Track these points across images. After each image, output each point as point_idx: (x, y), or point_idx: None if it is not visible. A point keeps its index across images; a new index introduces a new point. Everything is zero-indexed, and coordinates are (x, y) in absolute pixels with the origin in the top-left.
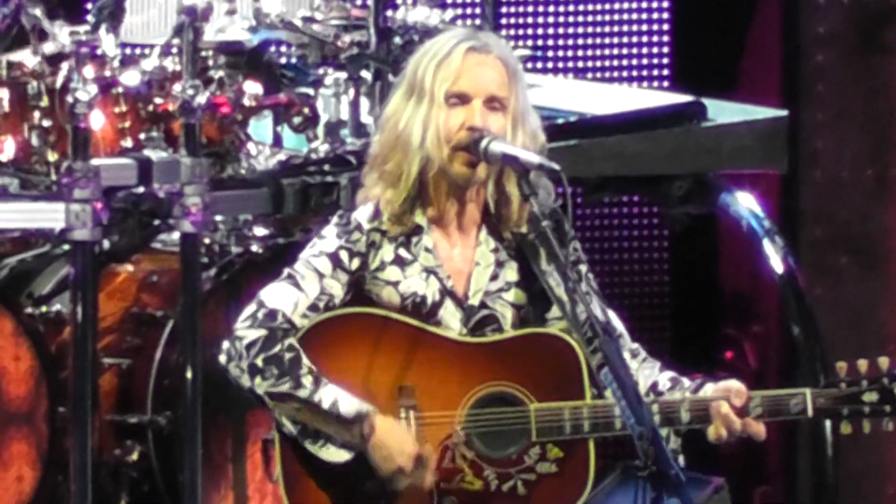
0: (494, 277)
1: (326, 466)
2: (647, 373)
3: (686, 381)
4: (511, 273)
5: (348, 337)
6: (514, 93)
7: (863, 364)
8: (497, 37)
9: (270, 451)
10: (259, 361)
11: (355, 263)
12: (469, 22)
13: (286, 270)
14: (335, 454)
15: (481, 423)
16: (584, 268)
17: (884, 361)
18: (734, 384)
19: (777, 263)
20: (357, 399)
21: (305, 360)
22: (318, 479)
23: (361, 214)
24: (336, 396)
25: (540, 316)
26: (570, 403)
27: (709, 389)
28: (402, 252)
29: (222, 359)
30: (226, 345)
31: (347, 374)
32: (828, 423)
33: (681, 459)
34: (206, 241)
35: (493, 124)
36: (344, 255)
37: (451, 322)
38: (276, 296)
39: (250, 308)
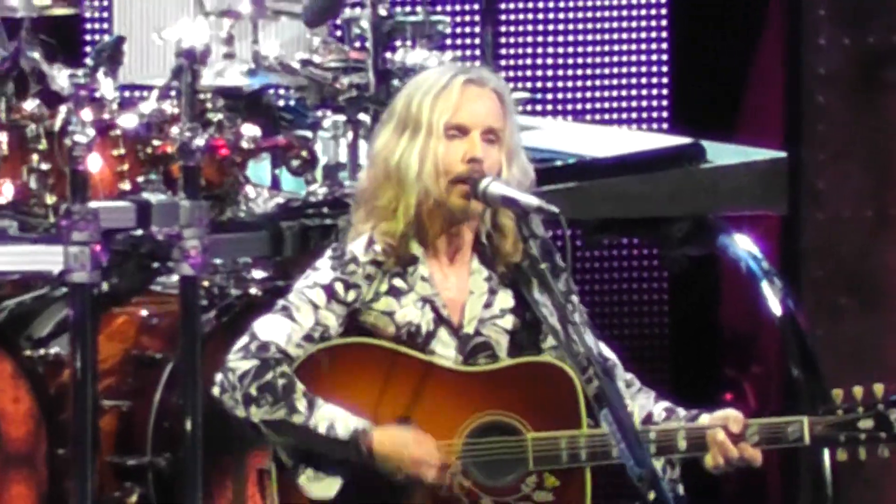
0: (488, 305)
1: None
2: (643, 402)
3: (681, 411)
4: (505, 300)
5: (344, 368)
6: (508, 125)
7: (858, 391)
8: (488, 69)
9: (266, 482)
10: (253, 390)
11: (351, 295)
12: (468, 64)
13: (280, 302)
14: (326, 488)
15: (478, 453)
16: (575, 298)
17: (879, 388)
18: (731, 412)
19: (776, 305)
20: (353, 417)
21: (299, 385)
22: None
23: (356, 247)
24: (332, 419)
25: (534, 343)
26: (567, 433)
27: (705, 419)
28: (398, 282)
29: (215, 391)
30: (219, 377)
31: (344, 406)
32: (826, 454)
33: (680, 489)
34: (206, 283)
35: (491, 156)
36: (339, 287)
37: (446, 351)
38: (269, 328)
39: (243, 340)
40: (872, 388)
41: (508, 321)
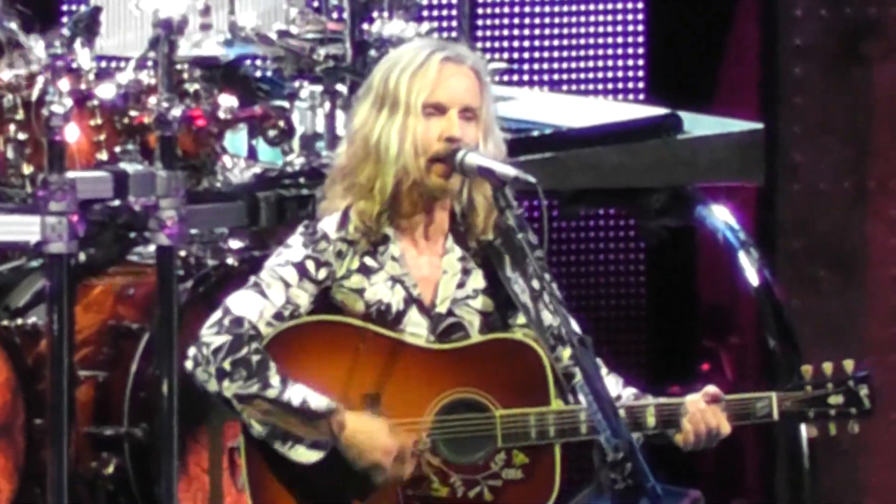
0: (461, 285)
1: (294, 469)
2: (611, 387)
3: (650, 397)
4: (477, 280)
5: (312, 345)
6: (484, 102)
7: (828, 367)
8: (464, 46)
9: (236, 459)
10: (227, 365)
11: (322, 273)
12: (445, 35)
13: (252, 278)
14: (304, 454)
15: (447, 430)
16: (547, 276)
17: (849, 364)
18: (707, 388)
19: (753, 276)
20: (326, 397)
21: (272, 362)
22: (286, 483)
23: (328, 224)
24: (305, 395)
25: (505, 322)
26: (536, 409)
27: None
28: (368, 261)
29: (188, 364)
30: (192, 351)
31: (312, 384)
32: (804, 435)
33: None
34: (182, 253)
35: (468, 134)
36: (310, 265)
37: (417, 330)
38: (242, 303)
39: (216, 315)
40: (842, 363)
41: (480, 302)
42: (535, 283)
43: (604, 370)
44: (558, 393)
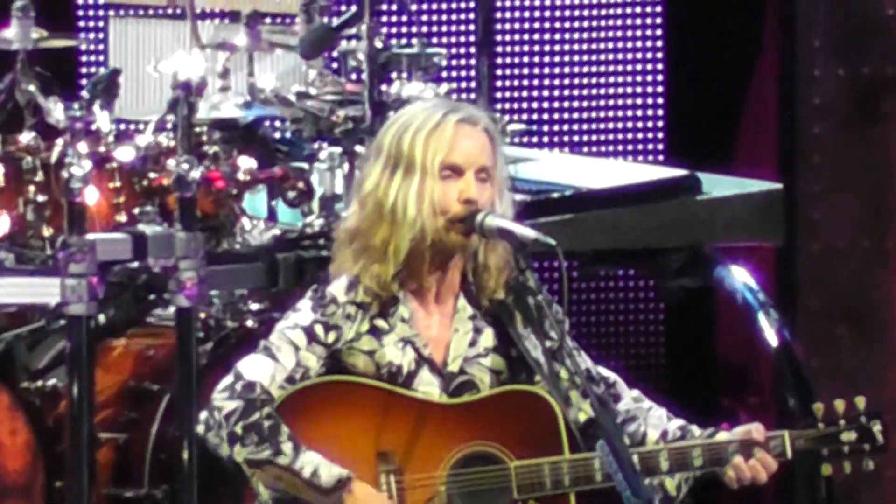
0: (473, 343)
1: None
2: (655, 421)
3: (696, 429)
4: (488, 339)
5: (324, 406)
6: (497, 162)
7: (840, 404)
8: (474, 106)
9: None
10: (238, 429)
11: (331, 337)
12: (464, 96)
13: (262, 343)
14: None
15: (463, 484)
16: (566, 326)
17: (860, 401)
18: (754, 425)
19: (772, 336)
20: (337, 466)
21: (284, 428)
22: None
23: (336, 288)
24: (317, 465)
25: (516, 380)
26: (550, 459)
27: (722, 436)
28: (379, 322)
29: (200, 429)
30: (204, 415)
31: (325, 443)
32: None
33: None
34: (202, 315)
35: (484, 195)
36: (319, 329)
37: (429, 390)
38: (254, 367)
39: (227, 380)
40: (854, 400)
41: (491, 360)
42: (554, 339)
43: (645, 403)
44: (571, 443)
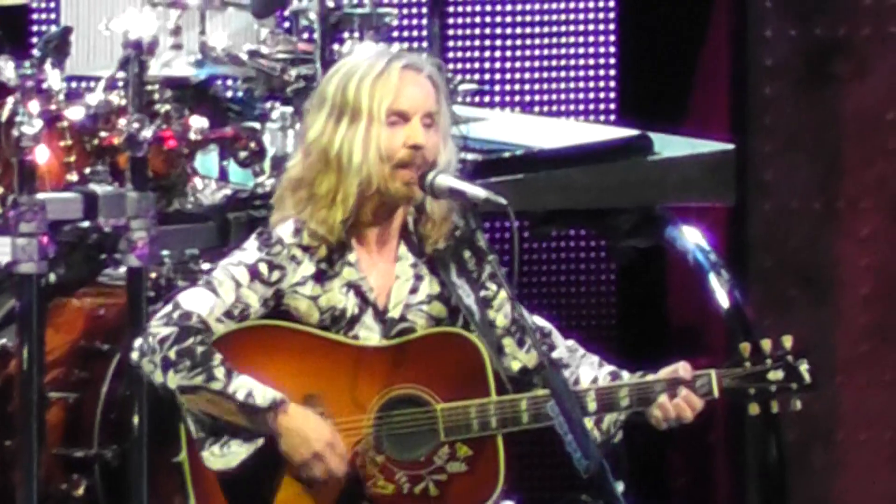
0: (414, 290)
1: (230, 476)
2: (587, 368)
3: (626, 374)
4: (431, 286)
5: (255, 349)
6: (442, 109)
7: (766, 343)
8: (417, 53)
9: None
10: (172, 354)
11: (275, 276)
12: (396, 48)
13: (204, 276)
14: (227, 462)
15: (390, 426)
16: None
17: (787, 340)
18: (680, 364)
19: (723, 297)
20: (271, 389)
21: (218, 354)
22: (226, 491)
23: (283, 230)
24: (251, 387)
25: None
26: (477, 401)
27: (650, 377)
28: (324, 267)
29: (134, 356)
30: (139, 342)
31: None
32: (773, 446)
33: (620, 486)
34: (153, 274)
35: (430, 140)
36: (263, 267)
37: (370, 335)
38: (193, 299)
39: (166, 308)
40: (781, 339)
41: (432, 307)
42: (489, 289)
43: (579, 351)
44: (499, 387)
